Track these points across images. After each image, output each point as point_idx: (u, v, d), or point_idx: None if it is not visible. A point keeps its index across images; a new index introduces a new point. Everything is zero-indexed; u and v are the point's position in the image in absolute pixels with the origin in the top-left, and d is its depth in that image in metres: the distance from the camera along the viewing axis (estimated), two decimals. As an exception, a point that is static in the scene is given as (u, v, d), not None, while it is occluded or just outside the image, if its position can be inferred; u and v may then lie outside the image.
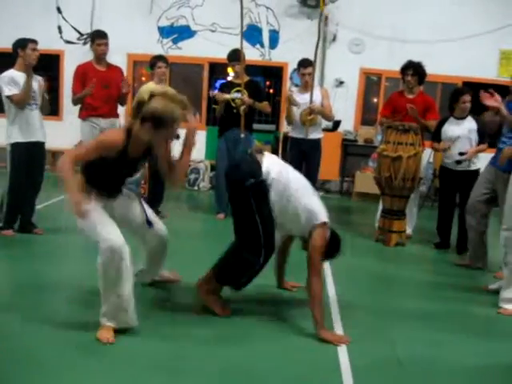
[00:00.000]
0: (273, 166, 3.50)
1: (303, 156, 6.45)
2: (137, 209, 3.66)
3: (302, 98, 6.37)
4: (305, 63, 6.39)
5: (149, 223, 3.63)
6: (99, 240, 3.13)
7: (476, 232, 5.08)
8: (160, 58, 6.47)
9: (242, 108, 6.28)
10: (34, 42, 5.25)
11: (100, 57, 6.09)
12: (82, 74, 6.02)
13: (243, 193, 3.43)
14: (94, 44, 6.09)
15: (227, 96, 6.37)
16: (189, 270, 4.13)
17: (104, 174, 3.33)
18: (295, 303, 3.96)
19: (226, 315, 3.62)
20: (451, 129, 5.72)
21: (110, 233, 3.16)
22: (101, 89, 5.96)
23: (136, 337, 3.21)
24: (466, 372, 3.13)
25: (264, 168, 3.44)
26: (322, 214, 3.52)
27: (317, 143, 6.49)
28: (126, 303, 3.16)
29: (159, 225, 3.79)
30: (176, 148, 3.49)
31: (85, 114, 6.08)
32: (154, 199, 6.42)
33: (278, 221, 3.54)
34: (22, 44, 5.20)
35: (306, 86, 6.38)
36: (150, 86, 6.33)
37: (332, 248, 3.70)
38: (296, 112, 6.39)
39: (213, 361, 3.01)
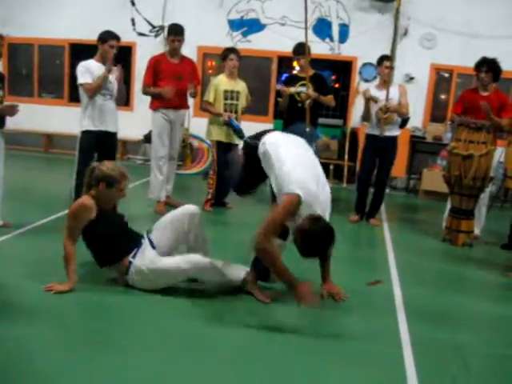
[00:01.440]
0: (270, 139, 3.75)
1: (378, 153, 6.40)
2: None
3: (380, 95, 6.29)
4: (388, 57, 6.35)
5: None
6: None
7: None
8: (232, 50, 6.49)
9: (307, 102, 6.23)
10: (116, 38, 5.37)
11: (173, 51, 6.14)
12: (154, 66, 6.08)
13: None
14: (168, 39, 6.14)
15: (292, 89, 6.34)
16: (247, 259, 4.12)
17: (106, 237, 3.70)
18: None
19: (267, 301, 3.72)
20: None
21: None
22: (173, 81, 6.02)
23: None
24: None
25: (262, 140, 3.75)
26: (296, 185, 3.33)
27: (393, 140, 6.39)
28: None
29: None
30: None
31: (156, 105, 6.16)
32: (221, 190, 6.51)
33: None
34: (103, 38, 5.35)
35: (385, 81, 6.33)
36: (222, 79, 6.40)
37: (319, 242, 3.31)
38: (373, 109, 6.31)
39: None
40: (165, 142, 6.19)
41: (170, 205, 6.13)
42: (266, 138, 3.77)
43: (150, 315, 3.40)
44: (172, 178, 6.52)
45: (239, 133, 6.23)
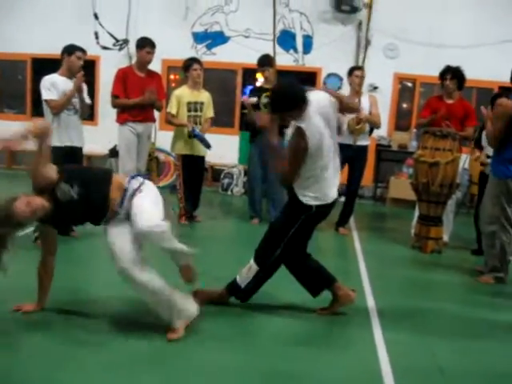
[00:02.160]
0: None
1: (347, 162, 6.37)
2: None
3: None
4: (358, 66, 6.41)
5: None
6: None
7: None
8: (194, 59, 6.48)
9: (273, 113, 6.22)
10: (82, 50, 5.30)
11: (145, 64, 6.14)
12: (123, 78, 6.06)
13: None
14: (143, 51, 6.08)
15: (253, 99, 6.33)
16: (214, 273, 4.18)
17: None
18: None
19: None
20: None
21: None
22: (139, 94, 5.99)
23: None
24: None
25: None
26: None
27: (364, 150, 6.48)
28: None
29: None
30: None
31: (123, 119, 6.11)
32: (191, 205, 6.44)
33: None
34: (69, 50, 5.27)
35: (357, 92, 6.37)
36: (184, 90, 6.35)
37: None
38: (343, 120, 6.26)
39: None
40: (132, 156, 6.12)
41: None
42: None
43: (118, 334, 3.31)
44: (139, 192, 6.43)
45: (204, 142, 6.19)
